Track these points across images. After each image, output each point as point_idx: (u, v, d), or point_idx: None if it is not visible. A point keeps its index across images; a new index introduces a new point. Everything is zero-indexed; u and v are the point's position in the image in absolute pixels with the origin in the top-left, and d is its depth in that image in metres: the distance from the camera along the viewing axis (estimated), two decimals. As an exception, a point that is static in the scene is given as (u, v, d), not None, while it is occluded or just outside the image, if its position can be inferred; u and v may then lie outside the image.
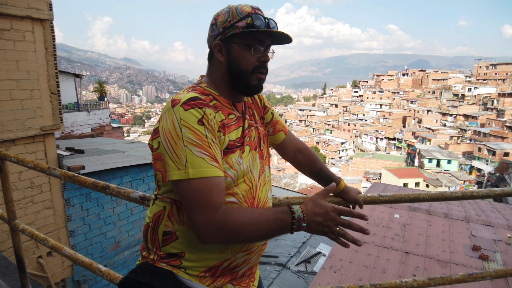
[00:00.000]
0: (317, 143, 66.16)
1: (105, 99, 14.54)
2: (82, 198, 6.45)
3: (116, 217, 7.09)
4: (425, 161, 41.96)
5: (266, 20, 0.99)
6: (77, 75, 13.91)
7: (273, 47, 1.06)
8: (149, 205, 1.19)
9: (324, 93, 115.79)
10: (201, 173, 0.84)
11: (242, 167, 0.97)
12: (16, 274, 1.99)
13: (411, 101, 70.80)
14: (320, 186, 1.27)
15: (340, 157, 63.65)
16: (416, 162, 46.62)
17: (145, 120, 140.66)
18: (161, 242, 0.97)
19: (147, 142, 1.02)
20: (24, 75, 5.10)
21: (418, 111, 62.80)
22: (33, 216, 5.61)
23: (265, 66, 1.02)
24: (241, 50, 0.98)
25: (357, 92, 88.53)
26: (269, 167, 1.15)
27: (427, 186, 34.84)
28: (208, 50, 1.06)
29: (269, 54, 1.04)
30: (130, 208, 7.33)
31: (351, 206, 1.27)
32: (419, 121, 61.00)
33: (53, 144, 5.80)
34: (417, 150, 47.08)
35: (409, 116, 64.57)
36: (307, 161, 1.30)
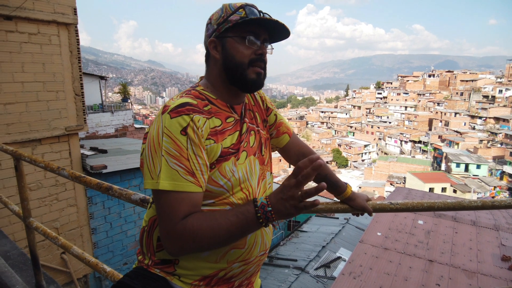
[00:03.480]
0: (339, 145, 65.28)
1: (129, 100, 14.92)
2: (104, 197, 6.61)
3: (136, 216, 7.23)
4: (453, 166, 40.51)
5: (261, 13, 0.96)
6: (102, 77, 14.36)
7: (282, 44, 1.03)
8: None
9: (346, 95, 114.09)
10: (171, 185, 0.82)
11: (237, 175, 0.93)
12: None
13: (438, 103, 68.57)
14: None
15: (363, 160, 62.53)
16: (443, 167, 45.09)
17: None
18: (155, 247, 0.95)
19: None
20: (50, 77, 5.30)
21: (445, 114, 60.76)
22: (57, 213, 5.80)
23: (263, 59, 0.98)
24: (235, 43, 0.95)
25: (381, 93, 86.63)
26: (271, 173, 1.10)
27: (455, 191, 33.56)
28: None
29: (268, 51, 1.00)
30: (150, 208, 7.46)
31: (359, 214, 1.20)
32: (446, 124, 58.98)
33: (77, 144, 5.99)
34: (444, 154, 45.56)
35: (435, 119, 62.58)
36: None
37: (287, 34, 1.00)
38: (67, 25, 5.36)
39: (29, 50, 5.03)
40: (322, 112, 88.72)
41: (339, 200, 1.21)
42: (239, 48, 0.95)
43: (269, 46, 1.01)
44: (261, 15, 0.95)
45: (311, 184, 0.83)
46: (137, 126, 14.31)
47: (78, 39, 5.57)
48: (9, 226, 5.12)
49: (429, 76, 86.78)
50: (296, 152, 1.24)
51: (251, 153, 1.00)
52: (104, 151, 7.83)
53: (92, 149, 8.12)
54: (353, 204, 1.17)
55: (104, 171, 6.26)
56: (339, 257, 8.81)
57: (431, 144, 53.86)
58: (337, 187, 1.18)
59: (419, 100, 75.32)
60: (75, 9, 5.42)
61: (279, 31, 0.99)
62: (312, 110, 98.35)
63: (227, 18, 0.94)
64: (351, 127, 76.30)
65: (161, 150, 0.83)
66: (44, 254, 5.69)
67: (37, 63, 5.13)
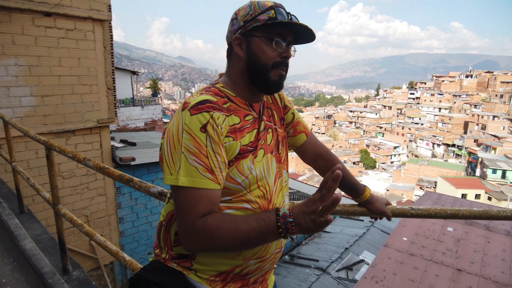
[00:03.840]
0: (367, 146, 63.79)
1: (158, 95, 15.31)
2: (131, 188, 6.83)
3: (161, 207, 7.41)
4: (488, 172, 38.46)
5: (289, 15, 0.95)
6: (133, 72, 14.80)
7: (299, 46, 1.02)
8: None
9: (377, 94, 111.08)
10: (190, 182, 0.82)
11: (254, 172, 0.93)
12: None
13: (475, 105, 65.23)
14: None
15: (391, 162, 60.80)
16: (478, 172, 42.91)
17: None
18: (173, 242, 0.96)
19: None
20: (84, 72, 5.54)
21: (482, 116, 57.71)
22: (87, 201, 6.07)
23: (286, 63, 0.97)
24: (261, 44, 0.94)
25: (413, 94, 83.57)
26: (287, 171, 1.10)
27: (489, 199, 31.86)
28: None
29: (291, 53, 0.99)
30: (175, 201, 7.64)
31: (378, 218, 1.17)
32: (483, 127, 56.01)
33: (107, 136, 6.22)
34: (480, 159, 43.30)
35: (471, 122, 59.61)
36: (327, 167, 1.22)
37: (312, 38, 0.99)
38: (102, 22, 5.57)
39: (66, 45, 5.27)
40: (351, 111, 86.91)
41: (357, 203, 1.19)
42: (265, 49, 0.94)
43: (292, 48, 1.00)
44: (289, 17, 0.95)
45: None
46: (165, 120, 14.67)
47: (111, 35, 5.77)
48: (43, 212, 5.42)
49: (467, 76, 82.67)
50: (312, 153, 1.22)
51: (268, 151, 1.00)
52: (133, 144, 8.08)
53: (122, 141, 8.41)
54: (371, 207, 1.14)
55: (133, 163, 6.47)
56: (362, 260, 8.63)
57: (465, 148, 51.41)
58: (355, 190, 1.16)
59: (455, 102, 71.98)
60: (109, 6, 5.62)
61: (304, 34, 0.98)
62: (340, 109, 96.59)
63: (255, 16, 0.93)
64: (380, 127, 74.29)
65: (180, 146, 0.84)
66: (74, 240, 5.98)
67: (73, 57, 5.37)
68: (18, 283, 2.04)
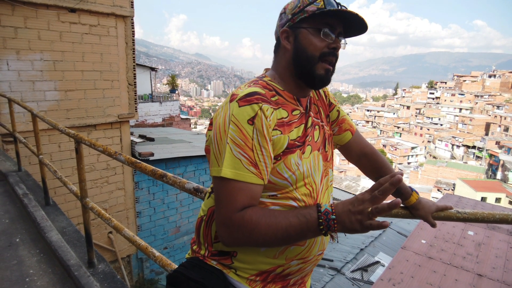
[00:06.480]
0: (384, 146, 62.77)
1: (176, 91, 15.45)
2: (150, 183, 6.93)
3: (178, 203, 7.50)
4: (510, 175, 37.28)
5: (339, 6, 0.91)
6: (152, 69, 14.98)
7: (345, 39, 0.98)
8: (203, 197, 1.18)
9: (395, 94, 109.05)
10: (233, 174, 0.81)
11: (301, 169, 0.90)
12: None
13: (498, 106, 63.18)
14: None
15: (408, 163, 59.64)
16: (499, 175, 41.65)
17: (212, 113, 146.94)
18: (213, 238, 0.94)
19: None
20: (106, 67, 5.63)
21: (505, 118, 55.86)
22: (107, 195, 6.18)
23: (335, 54, 0.93)
24: (309, 35, 0.91)
25: (433, 93, 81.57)
26: (332, 170, 1.07)
27: (511, 203, 30.90)
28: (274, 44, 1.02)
29: (341, 45, 0.95)
30: (192, 196, 7.70)
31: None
32: (506, 129, 54.25)
33: (127, 131, 6.32)
34: (501, 162, 42.02)
35: (493, 123, 57.80)
36: (372, 167, 1.17)
37: (364, 29, 0.95)
38: (124, 18, 5.65)
39: (89, 41, 5.36)
40: (368, 110, 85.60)
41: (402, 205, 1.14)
42: (313, 41, 0.91)
43: (342, 41, 0.96)
44: (339, 7, 0.91)
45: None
46: (182, 116, 14.79)
47: (133, 31, 5.84)
48: (64, 204, 5.55)
49: (490, 76, 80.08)
50: (357, 152, 1.18)
51: (315, 148, 0.97)
52: (151, 139, 8.19)
53: (140, 136, 8.53)
54: (415, 213, 1.09)
55: (151, 158, 6.56)
56: (377, 262, 8.51)
57: (486, 150, 49.93)
58: (401, 194, 1.11)
59: (476, 102, 69.88)
60: (132, 2, 5.68)
61: (355, 25, 0.94)
62: (357, 108, 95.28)
63: (303, 8, 0.91)
64: (398, 127, 72.94)
65: (226, 137, 0.83)
66: (93, 233, 6.11)
67: (96, 53, 5.47)
68: (45, 274, 2.09)
